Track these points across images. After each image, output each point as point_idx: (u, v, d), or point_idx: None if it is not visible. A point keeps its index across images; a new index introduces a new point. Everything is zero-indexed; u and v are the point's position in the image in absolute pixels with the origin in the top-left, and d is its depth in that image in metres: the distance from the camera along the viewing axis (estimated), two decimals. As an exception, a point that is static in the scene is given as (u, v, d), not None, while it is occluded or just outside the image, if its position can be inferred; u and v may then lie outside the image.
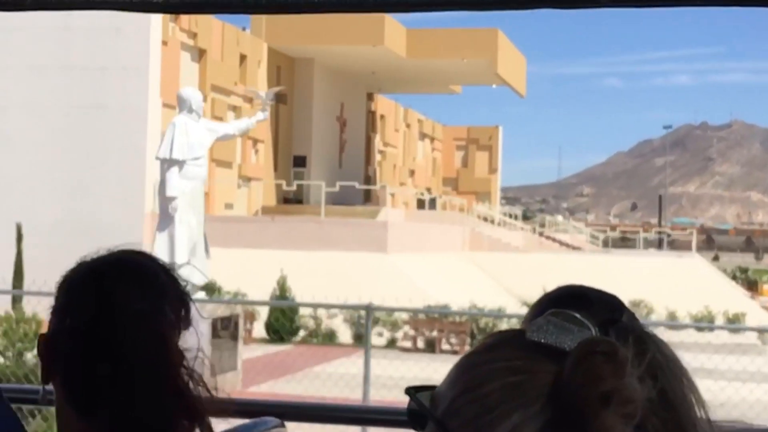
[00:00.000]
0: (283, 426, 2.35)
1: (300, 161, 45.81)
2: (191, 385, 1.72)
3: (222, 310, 17.26)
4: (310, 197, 43.68)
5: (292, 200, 44.00)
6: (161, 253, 16.03)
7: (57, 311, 1.79)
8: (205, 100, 34.16)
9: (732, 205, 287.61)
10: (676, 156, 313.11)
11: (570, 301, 1.23)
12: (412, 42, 44.95)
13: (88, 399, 1.68)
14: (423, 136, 63.44)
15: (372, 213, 40.03)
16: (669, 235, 67.59)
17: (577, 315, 1.01)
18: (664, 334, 1.06)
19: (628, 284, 26.72)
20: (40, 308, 25.23)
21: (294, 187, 42.89)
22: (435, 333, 23.39)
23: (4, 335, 16.21)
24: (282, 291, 24.18)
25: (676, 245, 58.28)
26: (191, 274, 16.20)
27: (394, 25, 42.92)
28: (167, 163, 15.99)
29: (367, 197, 47.34)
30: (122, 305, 1.70)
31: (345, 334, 23.86)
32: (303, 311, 23.84)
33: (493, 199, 63.48)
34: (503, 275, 31.39)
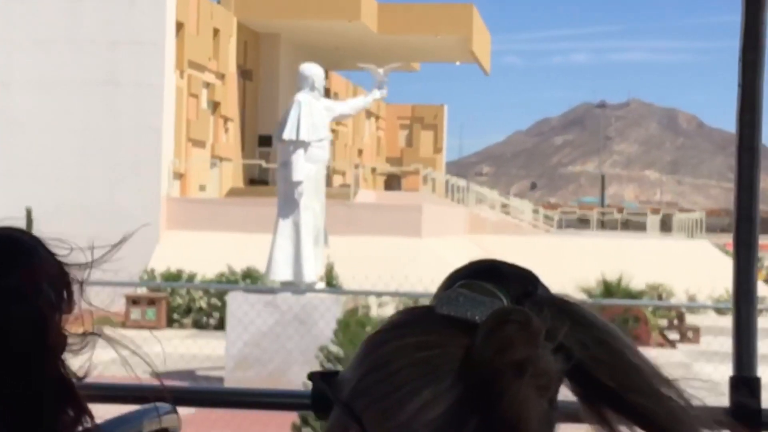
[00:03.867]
0: (175, 412, 2.23)
1: (266, 141, 44.38)
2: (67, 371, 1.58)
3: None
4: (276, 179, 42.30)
5: (257, 181, 42.64)
6: (285, 242, 14.75)
7: None
8: (182, 77, 32.91)
9: (630, 184, 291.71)
10: (574, 135, 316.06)
11: (482, 275, 1.06)
12: (384, 17, 43.87)
13: None
14: (369, 114, 62.55)
15: (347, 194, 38.87)
16: (606, 215, 67.49)
17: (489, 285, 0.98)
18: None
19: (644, 267, 26.00)
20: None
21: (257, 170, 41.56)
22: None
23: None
24: (329, 279, 22.88)
25: (630, 226, 57.85)
26: (316, 263, 14.97)
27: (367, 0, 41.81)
28: (293, 145, 14.76)
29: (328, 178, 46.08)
30: None
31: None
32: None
33: (438, 181, 62.76)
34: (515, 259, 30.36)
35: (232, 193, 36.90)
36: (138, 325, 22.02)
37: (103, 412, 1.86)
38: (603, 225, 60.72)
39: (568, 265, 27.55)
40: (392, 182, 49.00)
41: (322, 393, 1.00)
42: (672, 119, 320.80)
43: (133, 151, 26.25)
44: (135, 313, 22.12)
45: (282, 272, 14.91)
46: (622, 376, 0.96)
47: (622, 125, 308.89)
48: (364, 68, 16.93)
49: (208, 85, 36.80)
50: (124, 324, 22.47)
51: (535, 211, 56.33)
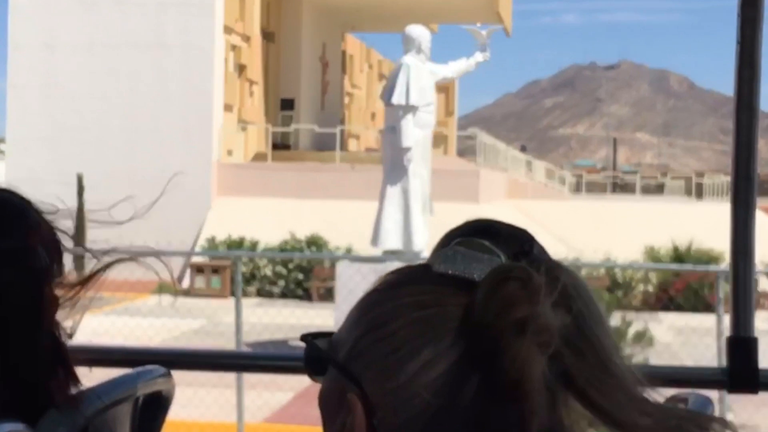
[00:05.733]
0: (169, 375, 2.18)
1: (288, 104, 43.72)
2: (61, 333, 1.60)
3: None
4: (299, 143, 41.71)
5: (280, 146, 42.03)
6: (394, 209, 14.23)
7: None
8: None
9: (621, 146, 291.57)
10: (564, 97, 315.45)
11: (478, 233, 1.04)
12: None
13: None
14: (381, 77, 61.98)
15: (375, 159, 38.31)
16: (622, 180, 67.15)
17: (486, 242, 0.98)
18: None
19: (704, 234, 25.51)
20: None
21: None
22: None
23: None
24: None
25: (650, 190, 57.49)
26: (423, 232, 14.44)
27: (393, -43, 41.18)
28: (402, 110, 14.21)
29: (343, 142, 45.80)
30: None
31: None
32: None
33: (450, 143, 62.15)
34: (556, 224, 29.91)
35: (258, 157, 36.30)
36: (203, 294, 21.51)
37: (101, 374, 1.90)
38: (618, 188, 60.19)
39: (628, 230, 27.08)
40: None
41: (316, 354, 0.99)
42: (663, 81, 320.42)
43: (181, 115, 25.61)
44: (199, 281, 21.60)
45: (391, 241, 14.39)
46: (595, 371, 0.93)
47: (612, 87, 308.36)
48: (468, 30, 16.30)
49: (234, 47, 36.11)
50: (188, 292, 21.96)
51: (549, 175, 55.82)
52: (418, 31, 14.82)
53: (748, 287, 2.43)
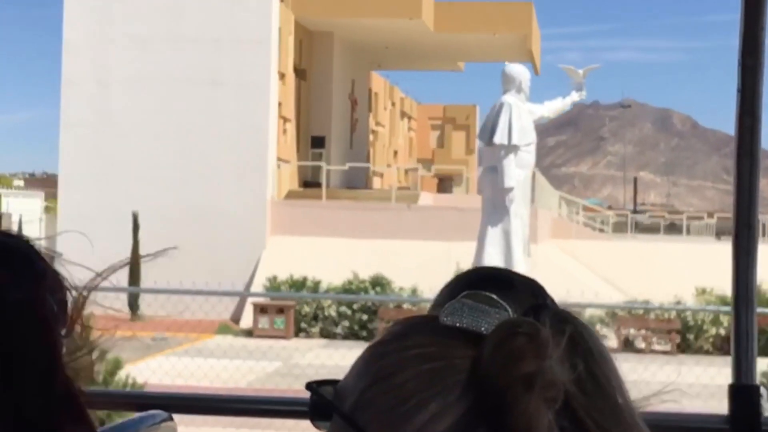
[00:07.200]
0: (171, 419, 2.23)
1: (318, 142, 43.47)
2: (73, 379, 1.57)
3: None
4: (329, 181, 41.49)
5: (310, 183, 41.77)
6: (495, 251, 13.98)
7: None
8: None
9: (624, 185, 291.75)
10: (567, 136, 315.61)
11: (485, 284, 1.06)
12: (440, 15, 43.01)
13: None
14: (403, 115, 61.92)
15: (412, 197, 38.02)
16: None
17: (494, 296, 0.98)
18: None
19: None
20: (156, 307, 22.67)
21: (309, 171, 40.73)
22: (633, 331, 21.47)
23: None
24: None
25: (674, 230, 57.17)
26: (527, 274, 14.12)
27: (426, -4, 41.01)
28: (504, 150, 13.99)
29: (368, 180, 45.72)
30: None
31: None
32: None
33: (472, 181, 61.94)
34: (602, 265, 29.60)
35: (291, 195, 36.08)
36: (266, 335, 21.21)
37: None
38: (639, 228, 59.76)
39: (673, 270, 26.83)
40: (445, 185, 48.02)
41: (321, 402, 0.99)
42: (667, 120, 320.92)
43: (235, 153, 25.37)
44: (263, 322, 21.28)
45: (493, 283, 14.12)
46: (604, 416, 0.93)
47: (616, 126, 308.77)
48: (564, 69, 16.10)
49: (267, 87, 36.02)
50: (252, 333, 21.65)
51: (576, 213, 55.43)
52: (519, 70, 14.64)
53: (750, 334, 2.44)
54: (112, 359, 8.04)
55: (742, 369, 2.43)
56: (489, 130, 14.52)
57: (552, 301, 1.06)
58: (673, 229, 58.16)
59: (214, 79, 25.61)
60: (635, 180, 76.71)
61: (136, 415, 2.20)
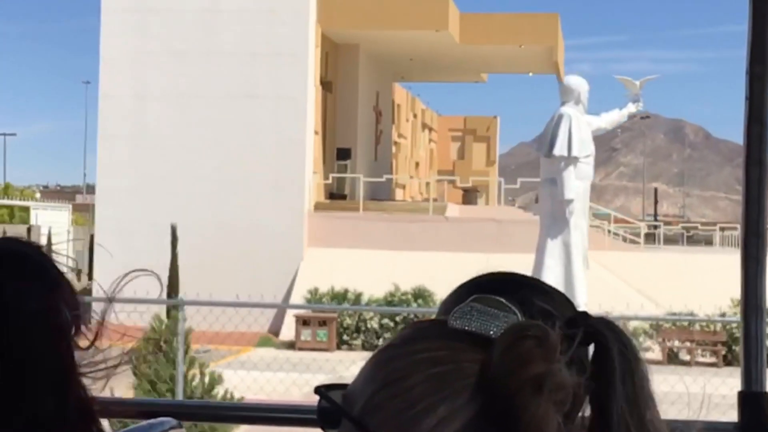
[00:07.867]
0: (180, 427, 2.24)
1: (344, 153, 43.46)
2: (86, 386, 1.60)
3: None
4: (354, 193, 41.51)
5: (336, 195, 41.79)
6: (555, 263, 13.96)
7: None
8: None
9: (637, 196, 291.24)
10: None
11: (493, 288, 1.05)
12: (465, 27, 43.01)
13: None
14: (424, 126, 61.97)
15: (440, 209, 38.03)
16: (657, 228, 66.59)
17: (502, 299, 0.98)
18: None
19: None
20: (198, 320, 22.74)
21: (331, 182, 40.77)
22: (678, 343, 21.42)
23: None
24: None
25: (695, 240, 57.00)
26: (585, 286, 14.16)
27: (452, 9, 41.00)
28: (564, 162, 13.98)
29: (391, 192, 45.69)
30: (15, 305, 1.51)
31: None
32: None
33: (491, 193, 61.87)
34: (637, 277, 29.53)
35: (318, 207, 36.10)
36: (309, 347, 21.19)
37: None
38: (659, 239, 59.64)
39: (705, 281, 26.75)
40: (470, 196, 47.96)
41: (330, 408, 0.99)
42: (679, 130, 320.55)
43: (272, 165, 25.40)
44: (305, 335, 21.28)
45: (553, 296, 14.11)
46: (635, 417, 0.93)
47: (628, 137, 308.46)
48: (620, 80, 16.10)
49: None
50: (294, 345, 21.63)
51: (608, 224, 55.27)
52: (578, 82, 14.64)
53: (760, 342, 2.44)
54: (209, 374, 8.00)
55: (752, 376, 2.42)
56: (548, 142, 14.53)
57: (556, 302, 1.05)
58: (692, 240, 57.99)
59: (251, 92, 25.65)
60: (656, 191, 76.60)
61: (145, 422, 2.21)
